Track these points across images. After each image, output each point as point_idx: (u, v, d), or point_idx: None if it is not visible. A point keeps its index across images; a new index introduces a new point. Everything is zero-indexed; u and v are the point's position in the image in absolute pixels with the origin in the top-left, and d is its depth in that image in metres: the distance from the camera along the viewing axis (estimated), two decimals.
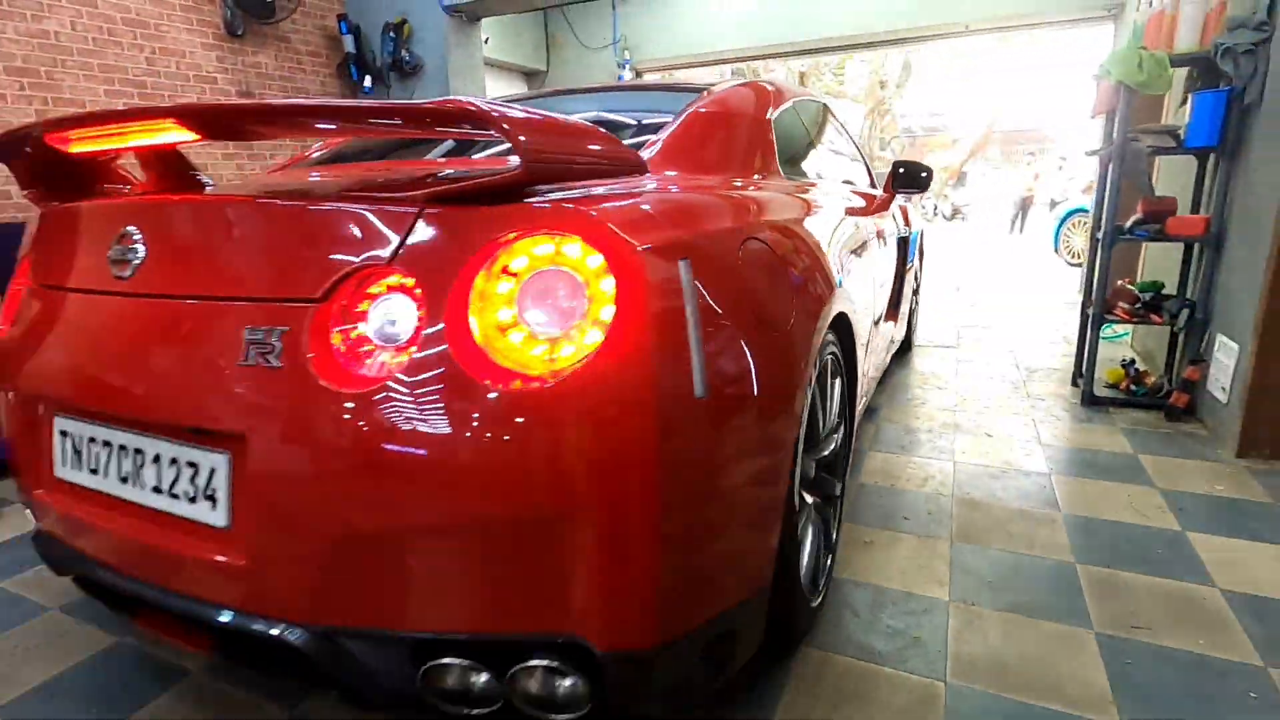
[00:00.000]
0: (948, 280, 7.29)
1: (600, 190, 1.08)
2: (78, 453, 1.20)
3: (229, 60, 4.13)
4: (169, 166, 1.44)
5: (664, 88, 2.14)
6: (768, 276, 1.26)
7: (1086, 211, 8.34)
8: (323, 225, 1.01)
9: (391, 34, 4.58)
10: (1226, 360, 2.66)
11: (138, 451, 1.11)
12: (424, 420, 0.90)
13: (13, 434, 1.33)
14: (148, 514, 1.11)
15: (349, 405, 0.92)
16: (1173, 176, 3.58)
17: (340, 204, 1.02)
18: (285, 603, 1.01)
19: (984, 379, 3.64)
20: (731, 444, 1.08)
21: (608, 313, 0.91)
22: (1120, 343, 4.31)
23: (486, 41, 6.22)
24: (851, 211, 2.08)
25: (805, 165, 2.08)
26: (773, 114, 1.87)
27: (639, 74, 7.34)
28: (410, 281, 0.95)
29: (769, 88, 1.94)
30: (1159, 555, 1.91)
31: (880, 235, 2.46)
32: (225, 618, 1.03)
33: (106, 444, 1.15)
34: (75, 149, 1.25)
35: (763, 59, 7.17)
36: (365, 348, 0.96)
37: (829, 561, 1.71)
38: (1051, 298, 6.25)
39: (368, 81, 4.72)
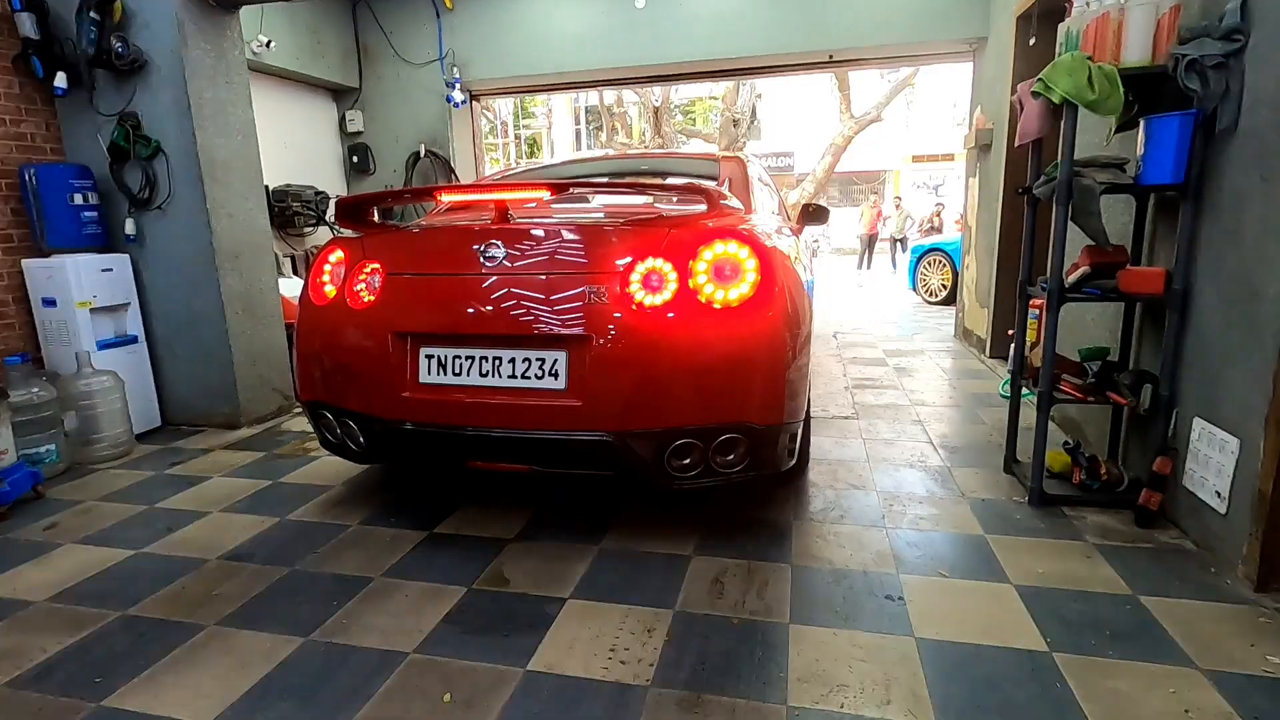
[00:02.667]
0: (822, 323, 6.83)
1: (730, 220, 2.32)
2: (442, 366, 2.19)
3: None
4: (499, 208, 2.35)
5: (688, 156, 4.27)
6: (796, 263, 2.44)
7: (942, 249, 8.33)
8: (622, 236, 2.17)
9: (92, 14, 3.23)
10: (1218, 458, 2.06)
11: (496, 358, 2.15)
12: (672, 321, 2.02)
13: (381, 362, 2.24)
14: (505, 392, 2.13)
15: (641, 318, 2.04)
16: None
17: (629, 226, 2.22)
18: (602, 421, 2.05)
19: (903, 467, 2.92)
20: (801, 334, 2.21)
21: (752, 277, 2.06)
22: (1027, 402, 3.82)
23: (269, 45, 4.92)
24: (794, 233, 3.23)
25: (772, 204, 3.34)
26: (754, 171, 3.28)
27: (473, 95, 6.31)
28: (669, 263, 2.07)
29: (747, 158, 3.46)
30: None
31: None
32: (569, 435, 2.08)
33: (470, 357, 2.17)
34: (445, 199, 2.64)
35: (610, 84, 6.40)
36: (643, 293, 2.05)
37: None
38: (928, 340, 5.89)
39: (61, 80, 3.32)
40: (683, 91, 23.48)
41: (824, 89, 24.30)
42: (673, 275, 2.06)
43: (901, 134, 25.72)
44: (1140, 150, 2.23)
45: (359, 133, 6.20)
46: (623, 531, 2.39)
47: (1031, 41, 4.01)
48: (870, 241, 16.15)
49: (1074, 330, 3.15)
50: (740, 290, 2.05)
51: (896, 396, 4.04)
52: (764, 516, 2.48)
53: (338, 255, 2.48)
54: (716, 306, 2.04)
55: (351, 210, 2.52)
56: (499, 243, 2.19)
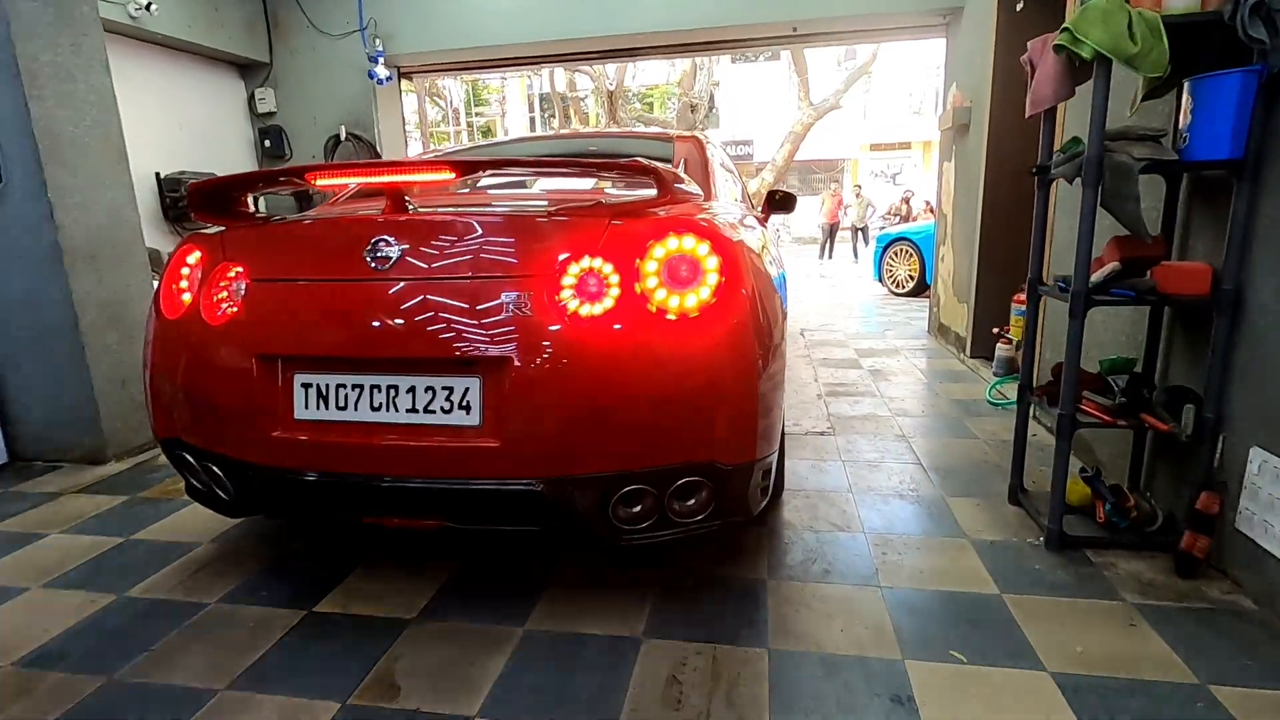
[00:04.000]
0: (789, 320, 6.42)
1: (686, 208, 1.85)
2: (322, 397, 1.69)
3: None
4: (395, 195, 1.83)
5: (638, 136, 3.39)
6: (765, 257, 2.01)
7: (909, 239, 8.01)
8: (550, 230, 1.67)
9: None
10: None
11: (391, 387, 1.65)
12: (615, 336, 1.57)
13: (246, 393, 1.73)
14: (403, 430, 1.64)
15: (575, 333, 1.57)
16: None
17: (561, 217, 1.71)
18: (527, 465, 1.60)
19: (892, 498, 2.49)
20: (774, 346, 1.79)
21: (713, 278, 1.61)
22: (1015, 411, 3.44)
23: (150, 8, 4.23)
24: (760, 222, 2.82)
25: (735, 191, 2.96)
26: (713, 153, 2.80)
27: (400, 71, 5.67)
28: (610, 263, 1.61)
29: (705, 138, 2.89)
30: None
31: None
32: (485, 485, 1.62)
33: (357, 387, 1.67)
34: (320, 183, 1.84)
35: (554, 60, 5.84)
36: (577, 301, 1.59)
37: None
38: (901, 337, 5.53)
39: None
40: (639, 78, 22.95)
41: (782, 77, 24.04)
42: (615, 278, 1.61)
43: (859, 122, 25.65)
44: (1185, 119, 1.82)
45: (271, 113, 5.52)
46: (558, 599, 1.90)
47: (1019, 7, 3.60)
48: (832, 231, 15.88)
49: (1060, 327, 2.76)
50: (699, 295, 1.61)
51: (875, 405, 3.63)
52: (731, 574, 2.01)
53: (195, 256, 1.93)
54: (670, 316, 1.59)
55: (208, 198, 1.92)
56: (391, 239, 1.68)
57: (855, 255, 15.48)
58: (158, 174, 4.65)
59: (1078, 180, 2.03)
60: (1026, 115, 2.11)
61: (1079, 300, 1.92)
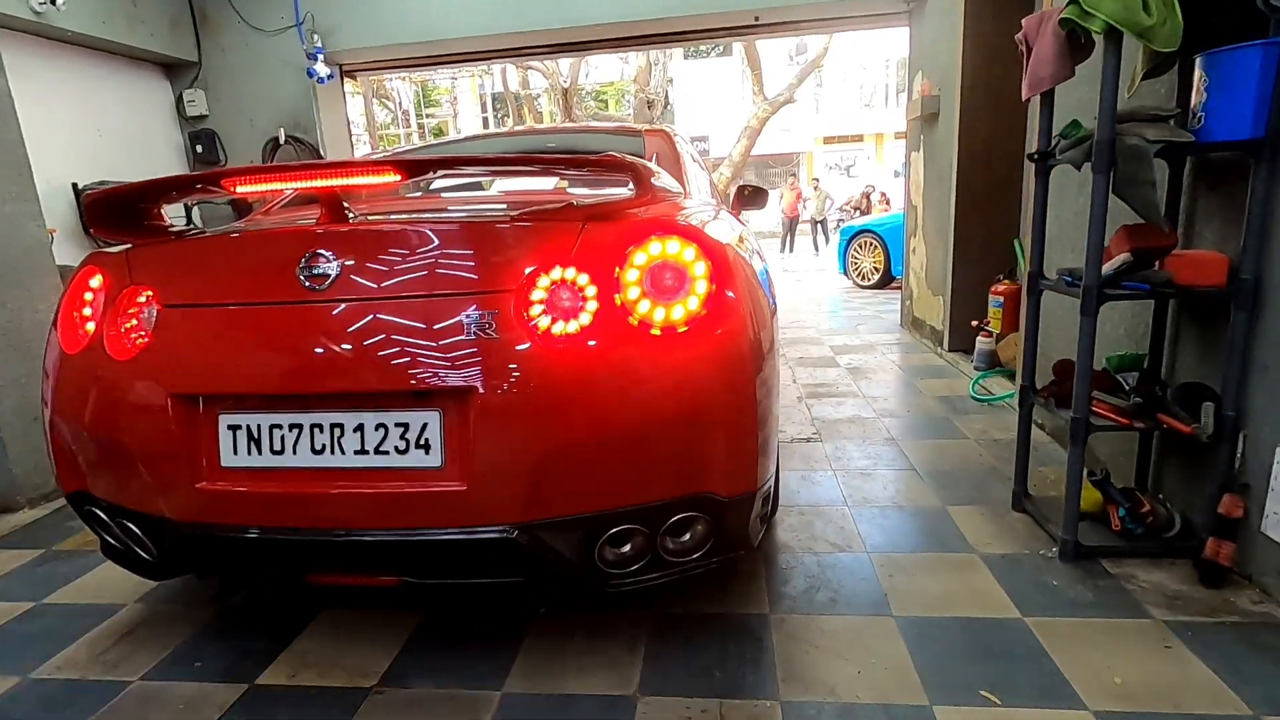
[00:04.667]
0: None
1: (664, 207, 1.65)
2: (254, 441, 1.43)
3: None
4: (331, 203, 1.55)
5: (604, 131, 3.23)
6: (748, 255, 1.76)
7: (874, 231, 7.96)
8: (515, 237, 1.45)
9: None
10: None
11: (335, 426, 1.41)
12: (593, 356, 1.36)
13: (161, 439, 1.47)
14: (353, 475, 1.40)
15: (548, 354, 1.35)
16: (1071, 192, 2.60)
17: (526, 222, 1.48)
18: (498, 509, 1.37)
19: (890, 511, 2.34)
20: (769, 356, 1.59)
21: (702, 286, 1.42)
22: (1001, 406, 3.35)
23: (56, 2, 3.84)
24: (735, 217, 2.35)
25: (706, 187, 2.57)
26: (683, 146, 2.59)
27: (343, 70, 5.34)
28: (585, 273, 1.40)
29: (673, 131, 2.69)
30: None
31: None
32: (451, 534, 1.39)
33: (295, 427, 1.42)
34: (240, 190, 1.51)
35: (505, 55, 5.59)
36: (549, 318, 1.38)
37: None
38: (873, 331, 5.43)
39: None
40: (593, 75, 22.69)
41: (735, 72, 24.05)
42: (591, 289, 1.41)
43: (812, 116, 25.85)
44: (1199, 97, 1.69)
45: (202, 116, 5.14)
46: (538, 651, 1.68)
47: None
48: (791, 224, 15.92)
49: (1067, 328, 2.65)
50: (687, 306, 1.42)
51: (859, 407, 3.49)
52: (728, 610, 1.82)
53: (98, 279, 1.65)
54: (655, 331, 1.40)
55: (110, 210, 1.63)
56: (328, 252, 1.44)
57: (816, 249, 15.52)
58: (74, 184, 4.26)
59: (1065, 167, 1.91)
60: (1024, 98, 1.96)
61: (1091, 295, 1.78)
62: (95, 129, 4.41)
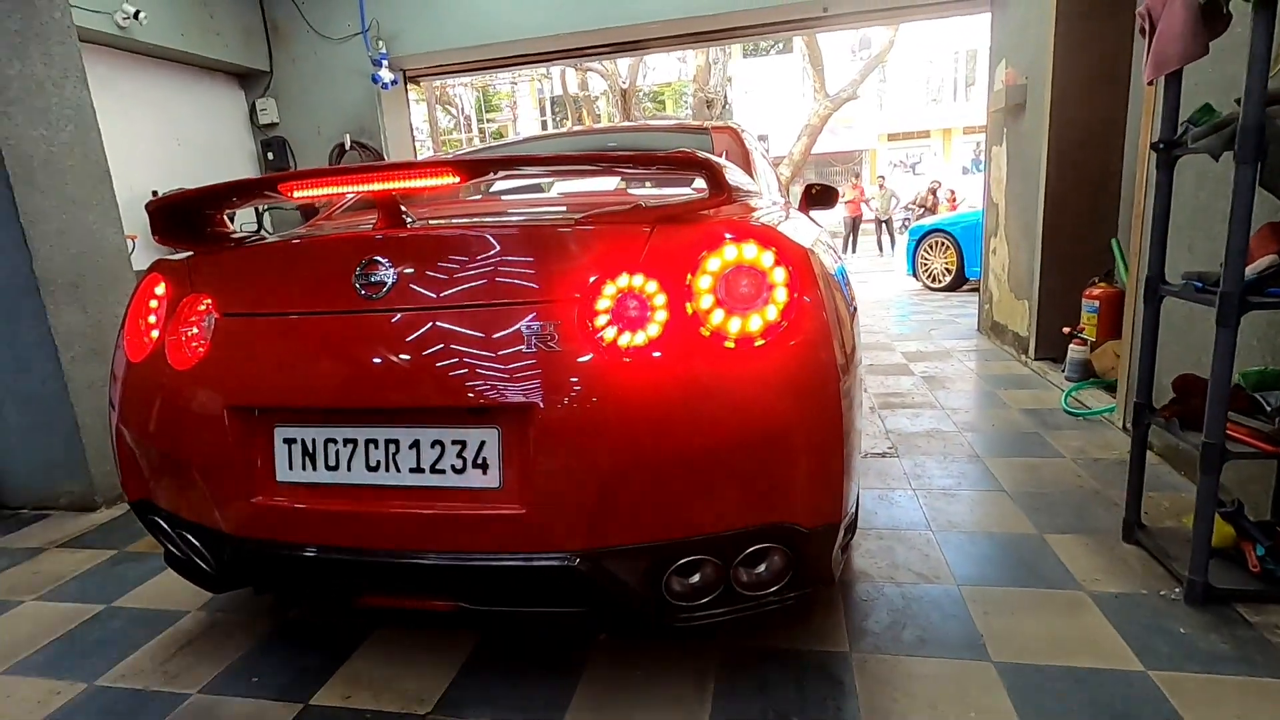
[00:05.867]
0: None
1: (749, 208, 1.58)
2: (309, 455, 1.38)
3: None
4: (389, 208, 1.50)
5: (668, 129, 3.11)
6: (827, 257, 1.64)
7: (946, 230, 7.59)
8: (578, 242, 1.34)
9: None
10: None
11: (390, 442, 1.34)
12: (663, 370, 1.25)
13: (218, 451, 1.43)
14: (407, 494, 1.33)
15: (613, 368, 1.25)
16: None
17: (590, 225, 1.37)
18: (559, 536, 1.27)
19: (979, 537, 2.14)
20: (855, 372, 1.49)
21: (781, 294, 1.30)
22: (1099, 421, 3.06)
23: (138, 17, 3.99)
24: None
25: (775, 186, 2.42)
26: (751, 143, 2.46)
27: (406, 75, 5.40)
28: (655, 280, 1.29)
29: (740, 128, 2.56)
30: None
31: None
32: (508, 561, 1.29)
33: (350, 442, 1.36)
34: (297, 195, 1.43)
35: (564, 55, 5.53)
36: (615, 329, 1.27)
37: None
38: (948, 336, 5.14)
39: None
40: (650, 77, 22.63)
41: (795, 69, 23.59)
42: (660, 298, 1.30)
43: (875, 113, 25.13)
44: None
45: (273, 124, 5.28)
46: (600, 682, 1.57)
47: None
48: (854, 224, 15.46)
49: (1182, 337, 2.38)
50: (765, 316, 1.30)
51: (937, 419, 3.26)
52: (804, 646, 1.67)
53: (161, 287, 1.64)
54: (729, 344, 1.28)
55: (172, 217, 1.61)
56: (384, 260, 1.38)
57: (881, 249, 15.04)
58: (155, 192, 4.42)
59: (1177, 159, 1.68)
60: (1146, 80, 1.75)
61: (1232, 304, 1.56)
62: (174, 138, 4.58)
